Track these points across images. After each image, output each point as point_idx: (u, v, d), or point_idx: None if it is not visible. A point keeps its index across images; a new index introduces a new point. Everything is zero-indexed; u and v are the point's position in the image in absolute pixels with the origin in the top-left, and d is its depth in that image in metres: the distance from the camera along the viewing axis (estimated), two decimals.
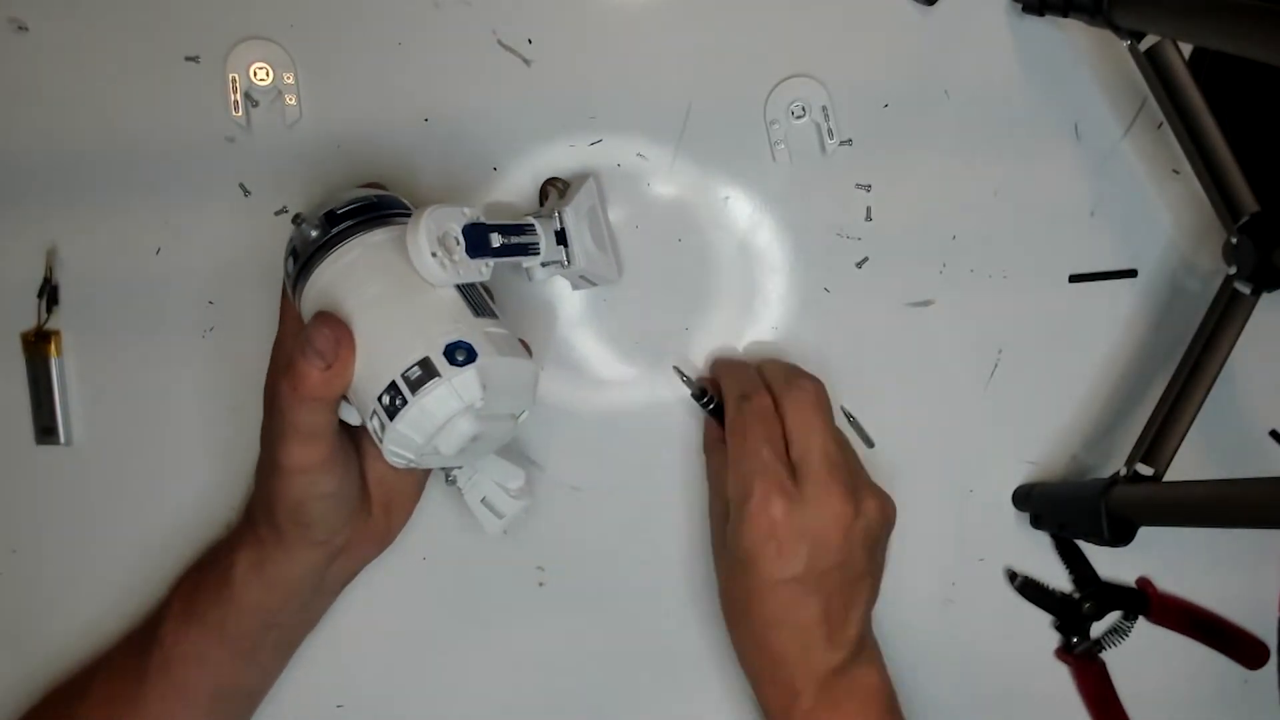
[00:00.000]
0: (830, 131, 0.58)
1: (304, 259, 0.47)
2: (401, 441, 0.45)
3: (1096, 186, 0.59)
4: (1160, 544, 0.57)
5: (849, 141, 0.58)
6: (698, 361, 0.59)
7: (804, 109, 0.58)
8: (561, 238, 0.53)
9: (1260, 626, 0.60)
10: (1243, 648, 0.60)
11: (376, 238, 0.47)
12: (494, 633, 0.59)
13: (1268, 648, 0.59)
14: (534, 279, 0.53)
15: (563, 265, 0.53)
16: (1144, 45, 0.51)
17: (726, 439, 0.53)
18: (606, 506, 0.59)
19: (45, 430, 0.57)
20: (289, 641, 0.56)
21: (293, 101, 0.56)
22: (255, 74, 0.56)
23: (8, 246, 0.56)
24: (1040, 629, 0.60)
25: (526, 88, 0.57)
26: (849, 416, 0.59)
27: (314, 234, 0.47)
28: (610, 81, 0.57)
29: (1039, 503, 0.58)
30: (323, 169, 0.57)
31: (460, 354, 0.44)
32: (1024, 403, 0.59)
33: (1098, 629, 0.60)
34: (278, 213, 0.57)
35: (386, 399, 0.44)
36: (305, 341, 0.44)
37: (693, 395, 0.56)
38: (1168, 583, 0.60)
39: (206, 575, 0.52)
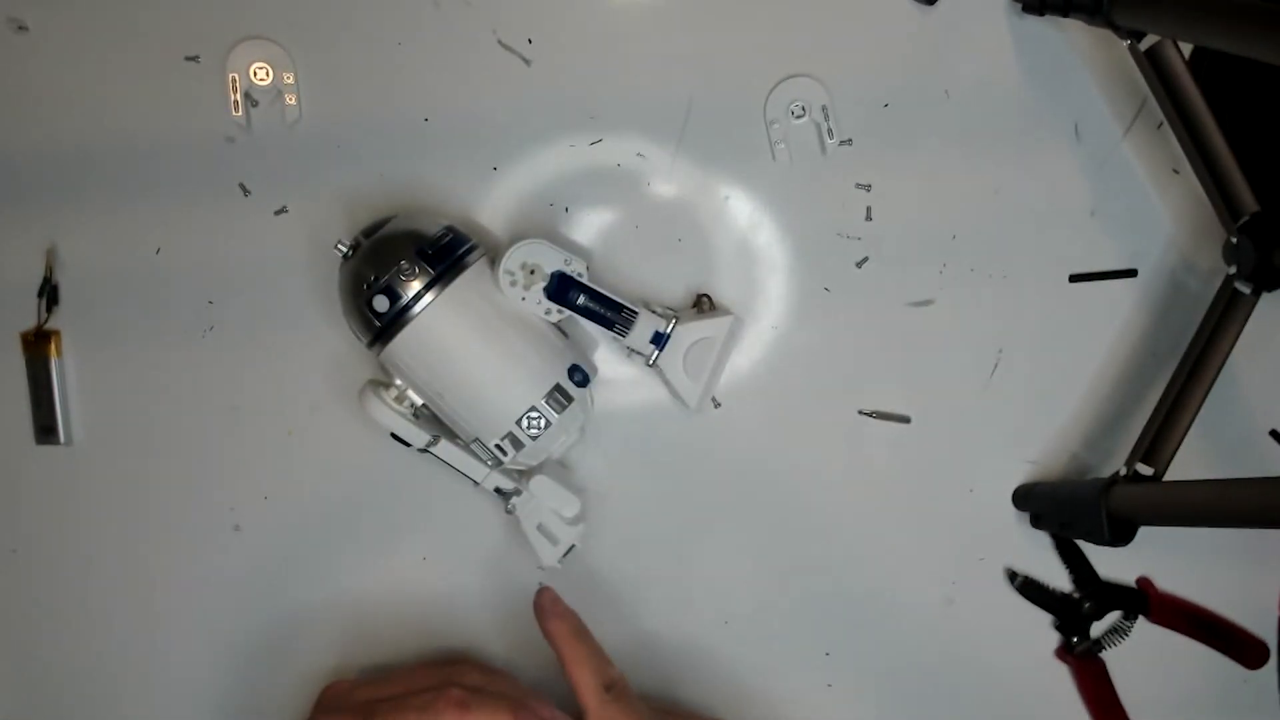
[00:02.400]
0: (830, 131, 0.58)
1: (405, 304, 0.50)
2: (533, 454, 0.53)
3: (1096, 186, 0.59)
4: (1160, 544, 0.57)
5: (849, 141, 0.58)
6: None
7: (804, 109, 0.58)
8: (660, 341, 0.54)
9: (1260, 626, 0.60)
10: (1243, 647, 0.60)
11: (471, 276, 0.51)
12: (494, 632, 0.59)
13: (1268, 647, 0.59)
14: (629, 358, 0.57)
15: (646, 361, 0.55)
16: (1144, 45, 0.52)
17: None
18: (606, 506, 0.59)
19: (45, 430, 0.57)
20: None
21: (293, 101, 0.56)
22: (255, 74, 0.56)
23: (8, 246, 0.56)
24: (1040, 629, 0.60)
25: (526, 88, 0.57)
26: (871, 414, 0.59)
27: (415, 282, 0.50)
28: (610, 81, 0.57)
29: (1039, 502, 0.58)
30: (323, 169, 0.57)
31: (578, 375, 0.53)
32: (1024, 402, 0.59)
33: (1098, 629, 0.60)
34: (277, 212, 0.57)
35: (528, 423, 0.52)
36: None
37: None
38: (1167, 582, 0.60)
39: None
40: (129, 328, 0.57)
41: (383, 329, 0.50)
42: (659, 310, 0.55)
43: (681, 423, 0.59)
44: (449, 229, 0.52)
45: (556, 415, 0.52)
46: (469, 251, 0.52)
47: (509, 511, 0.55)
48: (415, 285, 0.50)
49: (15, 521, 0.58)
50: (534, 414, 0.51)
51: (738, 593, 0.59)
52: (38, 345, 0.56)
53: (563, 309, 0.53)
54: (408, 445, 0.53)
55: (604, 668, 0.51)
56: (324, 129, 0.57)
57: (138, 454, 0.57)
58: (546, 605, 0.53)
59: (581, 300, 0.53)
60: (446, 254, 0.51)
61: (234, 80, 0.56)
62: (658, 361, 0.55)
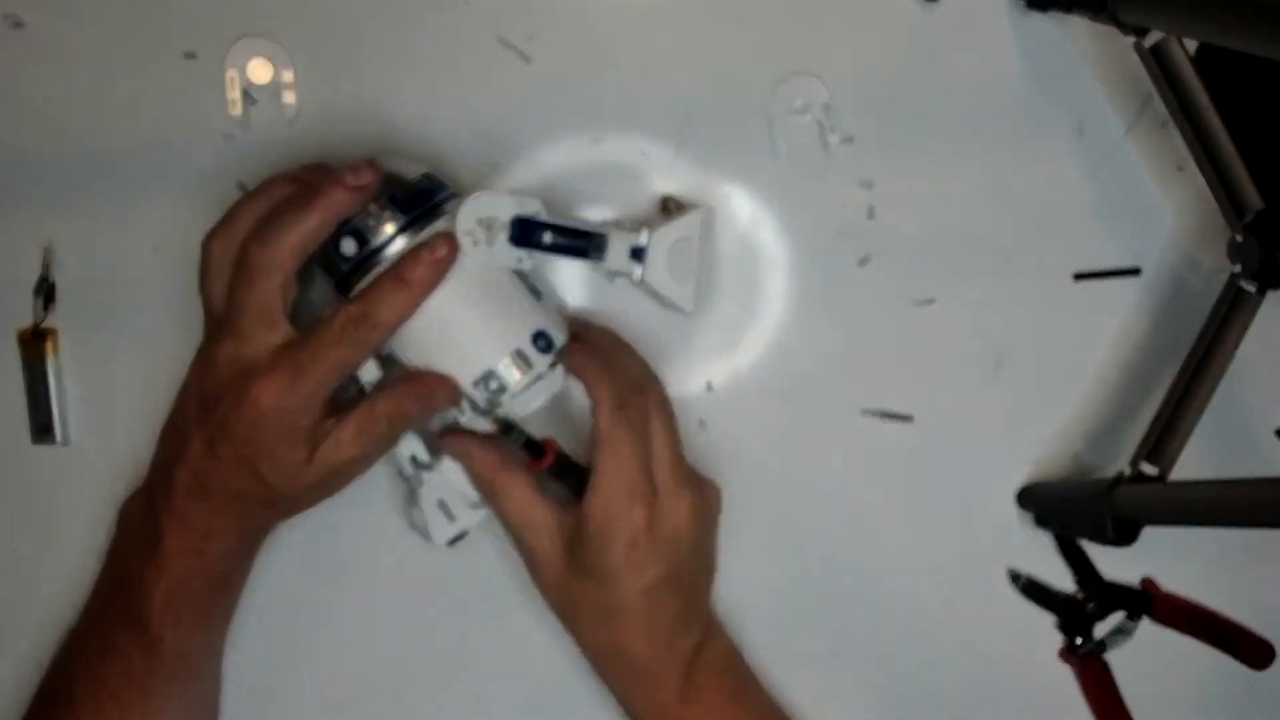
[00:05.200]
0: (832, 129, 0.57)
1: (373, 248, 0.49)
2: (495, 413, 0.52)
3: (1100, 184, 0.59)
4: (1164, 544, 0.57)
5: (850, 139, 0.58)
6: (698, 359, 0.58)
7: (805, 107, 0.57)
8: (639, 255, 0.53)
9: (1266, 627, 0.59)
10: (1248, 648, 0.59)
11: (444, 225, 0.50)
12: (494, 632, 0.59)
13: (1273, 648, 0.59)
14: (614, 282, 0.55)
15: (632, 280, 0.53)
16: (1148, 42, 0.51)
17: (596, 451, 0.50)
18: None
19: (42, 429, 0.57)
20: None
21: (291, 100, 0.56)
22: (254, 72, 0.56)
23: (5, 244, 0.56)
24: (1043, 630, 0.60)
25: (526, 87, 0.57)
26: (872, 414, 0.59)
27: (387, 226, 0.49)
28: (610, 81, 0.57)
29: (1042, 502, 0.58)
30: None
31: (542, 341, 0.51)
32: (1027, 401, 0.59)
33: (1101, 630, 0.59)
34: None
35: (484, 386, 0.51)
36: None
37: (528, 453, 0.53)
38: (1172, 583, 0.60)
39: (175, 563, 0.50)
40: (127, 327, 0.57)
41: (348, 273, 0.49)
42: (628, 225, 0.54)
43: (681, 422, 0.58)
44: (426, 176, 0.51)
45: (513, 382, 0.50)
46: (446, 199, 0.51)
47: (410, 480, 0.54)
48: (386, 230, 0.49)
49: (13, 521, 0.58)
50: (490, 378, 0.50)
51: (736, 593, 0.59)
52: (34, 344, 0.56)
53: (531, 252, 0.51)
54: (355, 380, 0.52)
55: (621, 387, 0.51)
56: (323, 127, 0.57)
57: (136, 454, 0.57)
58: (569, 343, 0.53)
59: (549, 238, 0.51)
60: (420, 200, 0.50)
61: (232, 78, 0.56)
62: (642, 277, 0.53)
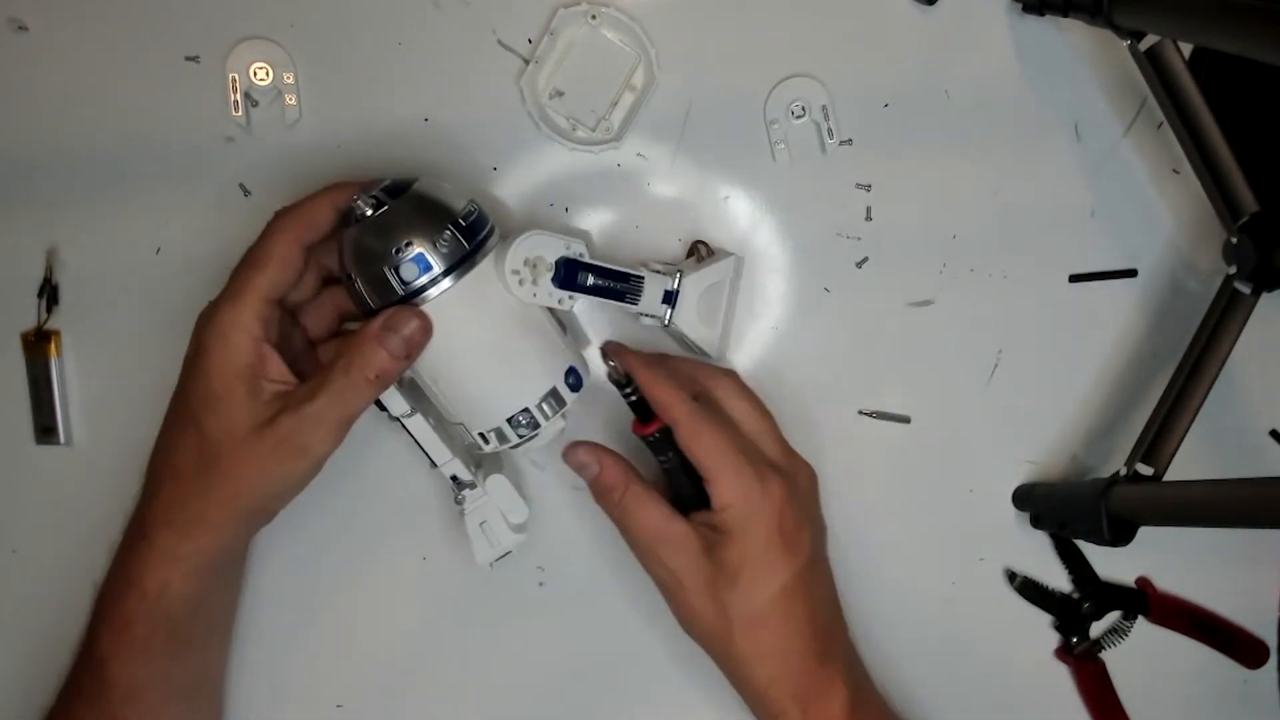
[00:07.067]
0: (830, 131, 0.58)
1: (436, 275, 0.48)
2: (518, 449, 0.52)
3: (1096, 186, 0.59)
4: (1160, 544, 0.57)
5: (849, 141, 0.58)
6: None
7: (804, 109, 0.58)
8: (670, 299, 0.54)
9: (1260, 626, 0.60)
10: (1242, 647, 0.60)
11: (491, 260, 0.50)
12: (494, 633, 0.59)
13: (1267, 647, 0.59)
14: (640, 321, 0.55)
15: (662, 323, 0.54)
16: (1144, 45, 0.52)
17: (690, 449, 0.50)
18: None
19: (45, 430, 0.57)
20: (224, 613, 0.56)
21: (293, 101, 0.56)
22: (255, 74, 0.56)
23: (8, 246, 0.56)
24: (1040, 629, 0.60)
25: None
26: (871, 414, 0.59)
27: (445, 252, 0.48)
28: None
29: (1039, 502, 0.58)
30: (323, 169, 0.57)
31: (572, 378, 0.52)
32: (1024, 402, 0.59)
33: (1097, 629, 0.60)
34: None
35: (517, 422, 0.51)
36: (391, 329, 0.47)
37: (614, 382, 0.52)
38: (1167, 582, 0.60)
39: (128, 603, 0.50)
40: (129, 328, 0.57)
41: (403, 298, 0.48)
42: (661, 269, 0.54)
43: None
44: (474, 203, 0.50)
45: (545, 420, 0.51)
46: (490, 234, 0.50)
47: (457, 502, 0.54)
48: (447, 259, 0.48)
49: (15, 521, 0.58)
50: (525, 415, 0.51)
51: None
52: (38, 345, 0.56)
53: (574, 294, 0.51)
54: (383, 409, 0.52)
55: (687, 384, 0.52)
56: (324, 129, 0.57)
57: (138, 454, 0.57)
58: (613, 349, 0.53)
59: (591, 280, 0.52)
60: (475, 231, 0.49)
61: (234, 80, 0.56)
62: (672, 321, 0.54)
